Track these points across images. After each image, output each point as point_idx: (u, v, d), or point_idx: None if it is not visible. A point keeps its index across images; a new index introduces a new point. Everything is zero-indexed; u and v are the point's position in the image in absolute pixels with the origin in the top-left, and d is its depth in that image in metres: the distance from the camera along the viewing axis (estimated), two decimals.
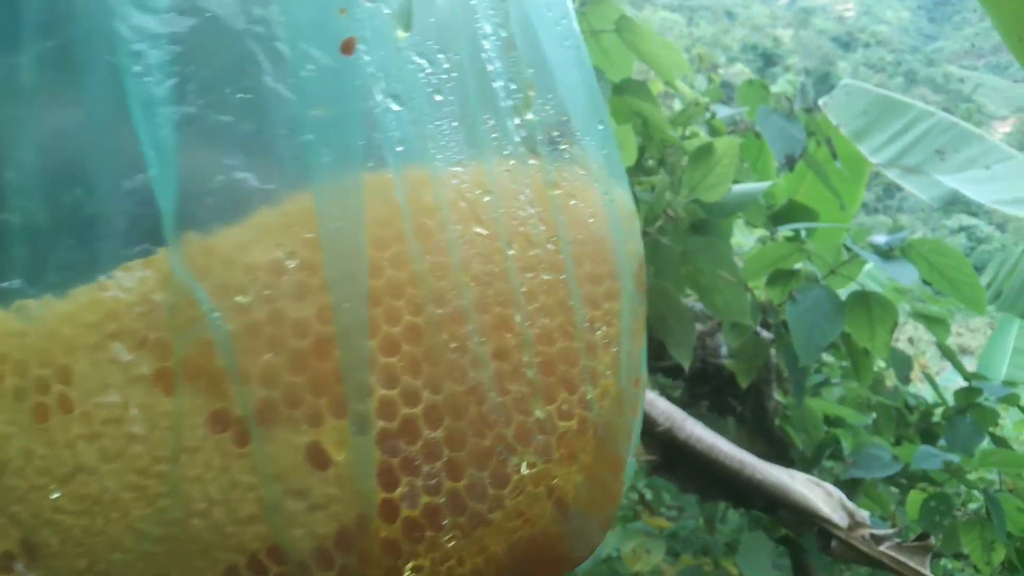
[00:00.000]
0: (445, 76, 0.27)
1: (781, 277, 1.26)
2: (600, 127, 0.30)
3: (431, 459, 0.29)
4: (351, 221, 0.26)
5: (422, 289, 0.28)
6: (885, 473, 1.28)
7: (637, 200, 1.20)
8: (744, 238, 1.74)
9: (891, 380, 1.50)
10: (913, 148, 1.68)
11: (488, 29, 0.27)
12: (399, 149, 0.26)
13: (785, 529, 1.22)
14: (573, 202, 0.30)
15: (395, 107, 0.26)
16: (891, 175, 1.60)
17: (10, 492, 0.29)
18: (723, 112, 1.31)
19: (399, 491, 0.29)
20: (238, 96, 0.25)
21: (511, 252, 0.29)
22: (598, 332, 0.31)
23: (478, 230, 0.28)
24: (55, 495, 0.29)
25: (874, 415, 1.47)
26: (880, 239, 1.19)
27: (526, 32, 0.28)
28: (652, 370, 1.31)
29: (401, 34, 0.26)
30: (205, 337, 0.29)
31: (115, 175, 0.29)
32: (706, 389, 1.46)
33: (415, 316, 0.28)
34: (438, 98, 0.27)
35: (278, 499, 0.29)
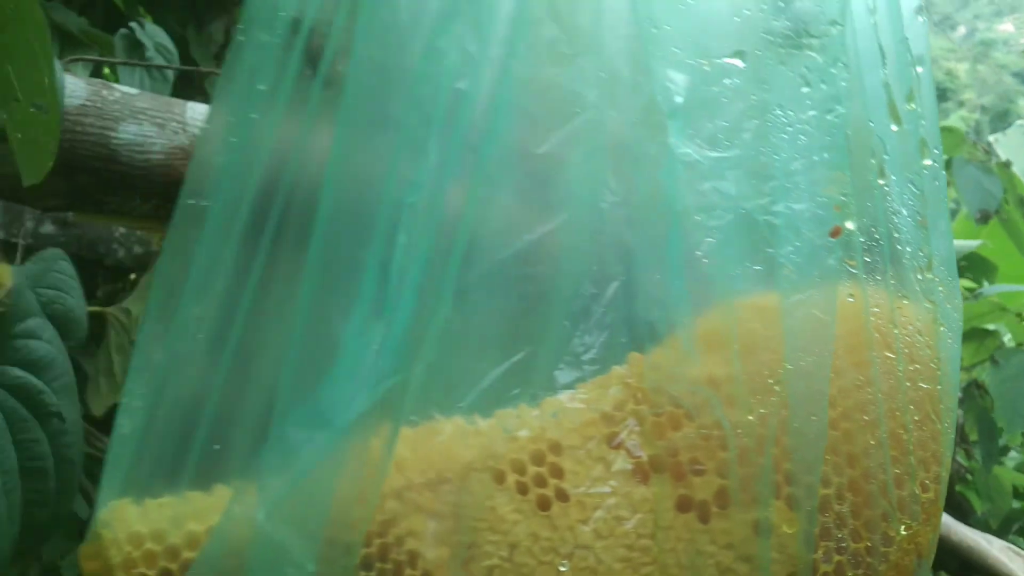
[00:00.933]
0: (874, 244, 0.35)
1: (976, 336, 1.21)
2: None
3: (840, 527, 0.38)
4: (821, 363, 0.34)
5: (850, 401, 0.36)
6: None
7: None
8: None
9: None
10: None
11: (904, 212, 0.36)
12: (849, 299, 0.35)
13: None
14: (943, 328, 0.39)
15: (852, 269, 0.35)
16: None
17: (520, 568, 0.37)
18: None
19: (819, 553, 0.38)
20: (755, 268, 0.33)
21: (901, 368, 0.38)
22: (944, 424, 0.40)
23: (888, 354, 0.37)
24: (563, 568, 0.37)
25: None
26: None
27: (932, 210, 0.37)
28: None
29: (850, 225, 0.34)
30: (668, 437, 0.37)
31: (586, 305, 0.37)
32: None
33: (840, 424, 0.37)
34: (867, 259, 0.35)
35: (730, 563, 0.37)
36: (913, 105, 0.36)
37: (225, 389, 0.32)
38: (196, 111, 0.76)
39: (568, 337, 0.37)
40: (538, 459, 0.38)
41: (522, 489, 0.37)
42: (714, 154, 0.33)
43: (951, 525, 0.90)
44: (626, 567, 0.37)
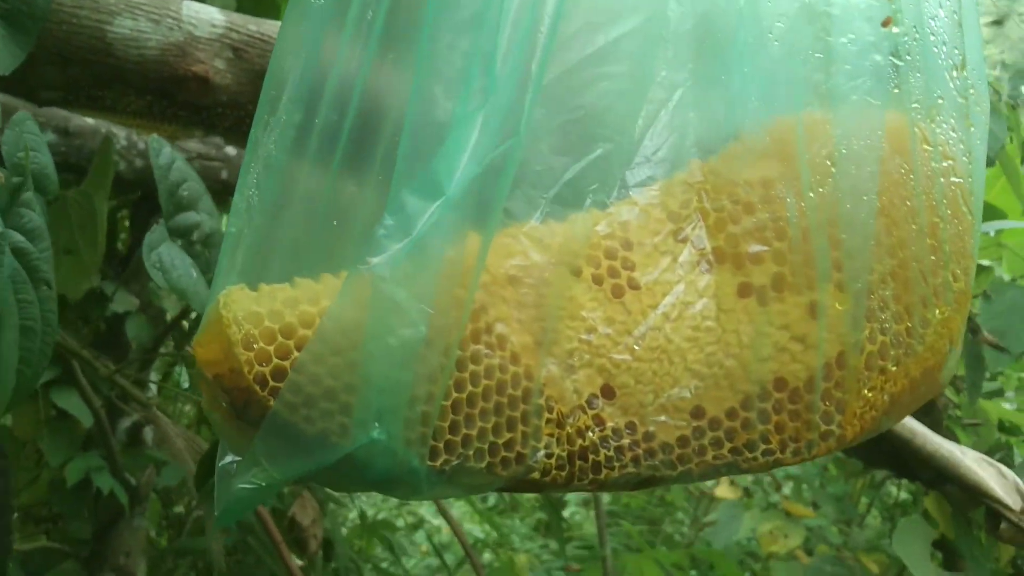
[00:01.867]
0: (915, 44, 0.39)
1: None
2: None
3: (884, 310, 0.42)
4: (872, 149, 0.38)
5: (893, 189, 0.40)
6: None
7: None
8: None
9: None
10: None
11: (942, 13, 0.39)
12: (895, 91, 0.38)
13: (942, 527, 1.15)
14: (972, 129, 0.42)
15: (897, 63, 0.38)
16: None
17: (598, 349, 0.40)
18: None
19: (865, 333, 0.42)
20: (816, 55, 0.37)
21: (936, 163, 0.41)
22: (974, 218, 0.44)
23: (925, 147, 0.40)
24: (636, 347, 0.40)
25: None
26: None
27: (966, 13, 0.40)
28: None
29: (896, 29, 0.37)
30: (728, 230, 0.41)
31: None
32: None
33: (885, 212, 0.41)
34: (908, 58, 0.39)
35: (786, 343, 0.41)
36: None
37: (340, 176, 0.35)
38: (192, 9, 0.77)
39: (640, 137, 0.40)
40: (611, 254, 0.41)
41: (597, 280, 0.41)
42: None
43: (926, 434, 0.93)
44: (692, 346, 0.41)
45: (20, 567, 1.07)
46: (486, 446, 0.39)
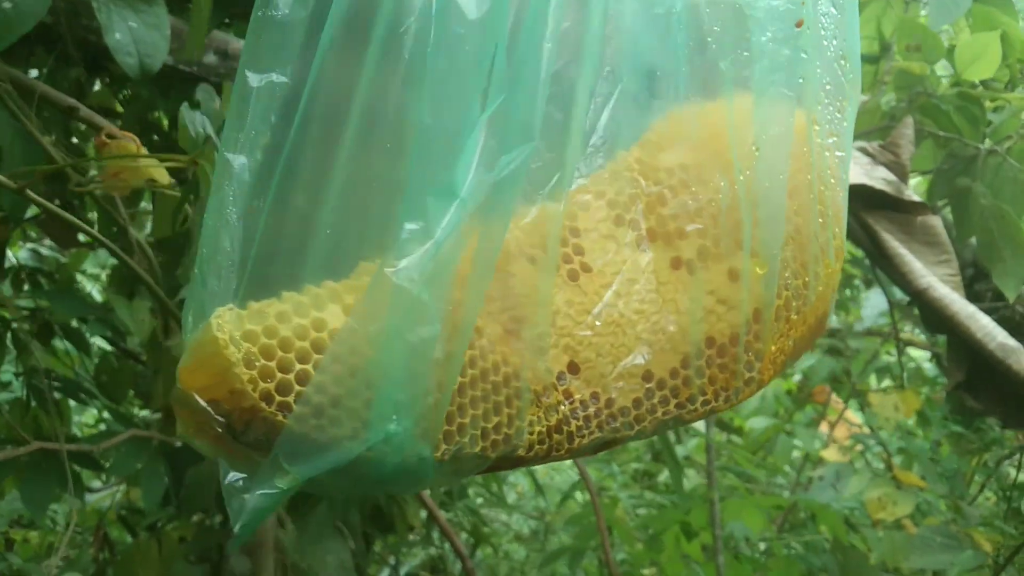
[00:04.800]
0: (814, 38, 0.45)
1: None
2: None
3: (786, 268, 0.48)
4: (786, 133, 0.44)
5: (796, 163, 0.47)
6: None
7: (984, 119, 1.15)
8: None
9: None
10: None
11: (833, 11, 0.45)
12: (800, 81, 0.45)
13: None
14: (848, 108, 0.50)
15: (803, 55, 0.44)
16: None
17: (561, 330, 0.44)
18: None
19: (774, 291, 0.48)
20: (744, 54, 0.42)
21: (821, 139, 0.48)
22: (843, 189, 0.51)
23: (816, 127, 0.47)
24: (597, 324, 0.44)
25: None
26: None
27: (849, 8, 0.47)
28: None
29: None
30: (658, 212, 0.46)
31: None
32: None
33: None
34: (803, 55, 0.45)
35: (712, 305, 0.47)
36: None
37: (343, 190, 0.35)
38: None
39: (588, 130, 0.43)
40: (563, 242, 0.44)
41: (555, 267, 0.44)
42: None
43: None
44: (640, 317, 0.45)
45: (167, 462, 1.07)
46: (479, 431, 0.41)
